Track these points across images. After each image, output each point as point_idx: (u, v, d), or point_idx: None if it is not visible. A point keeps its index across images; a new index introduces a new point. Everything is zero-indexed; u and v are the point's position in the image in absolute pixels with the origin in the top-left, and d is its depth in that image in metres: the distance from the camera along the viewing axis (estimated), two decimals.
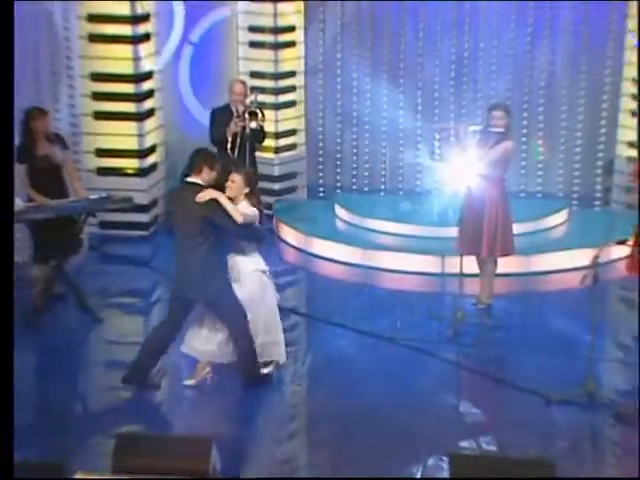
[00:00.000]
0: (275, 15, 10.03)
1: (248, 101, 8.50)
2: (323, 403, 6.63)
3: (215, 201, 6.25)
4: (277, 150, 10.33)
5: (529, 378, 6.77)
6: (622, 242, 7.10)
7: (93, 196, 7.77)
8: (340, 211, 9.91)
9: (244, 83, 8.83)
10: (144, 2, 9.58)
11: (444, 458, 5.51)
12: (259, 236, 6.53)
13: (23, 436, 6.06)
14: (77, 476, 4.11)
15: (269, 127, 9.62)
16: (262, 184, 9.65)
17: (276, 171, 10.36)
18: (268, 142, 9.89)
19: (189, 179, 6.41)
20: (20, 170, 7.58)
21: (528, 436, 6.06)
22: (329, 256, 9.20)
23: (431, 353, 7.20)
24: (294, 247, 9.55)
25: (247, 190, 6.48)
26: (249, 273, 6.46)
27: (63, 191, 7.77)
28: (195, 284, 6.33)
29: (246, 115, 8.33)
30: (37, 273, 7.83)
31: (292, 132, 10.47)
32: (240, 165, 7.92)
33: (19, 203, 7.34)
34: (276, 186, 10.36)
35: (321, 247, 9.31)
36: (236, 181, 6.46)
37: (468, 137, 7.41)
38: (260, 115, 8.39)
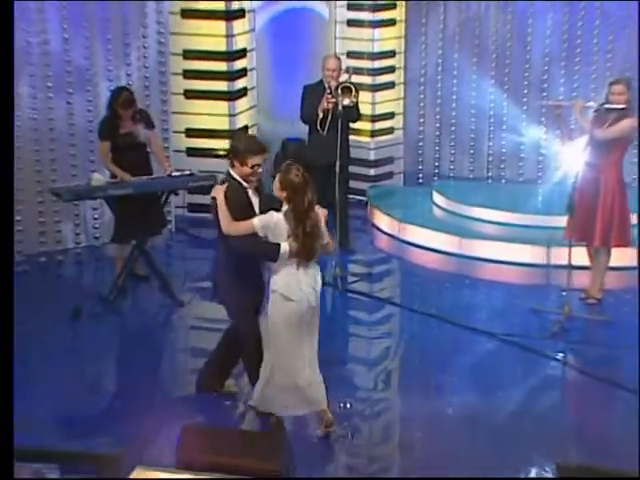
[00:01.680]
0: None
1: (342, 79, 8.09)
2: (415, 400, 6.19)
3: (214, 200, 5.54)
4: (373, 134, 9.90)
5: None
6: None
7: (175, 173, 7.43)
8: (438, 198, 9.42)
9: (338, 59, 8.45)
10: None
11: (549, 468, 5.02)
12: (258, 252, 5.45)
13: (99, 424, 5.82)
14: (135, 473, 3.72)
15: (365, 109, 9.20)
16: (357, 169, 9.29)
17: (372, 156, 9.95)
18: (364, 125, 9.53)
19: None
20: (102, 147, 7.35)
21: None
22: (425, 244, 8.73)
23: (534, 350, 6.71)
24: (388, 234, 9.13)
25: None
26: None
27: (148, 170, 7.50)
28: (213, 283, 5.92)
29: (338, 91, 7.88)
30: (115, 252, 7.56)
31: (390, 115, 10.02)
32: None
33: (99, 178, 7.09)
34: (371, 171, 9.96)
35: (417, 235, 8.86)
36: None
37: (583, 115, 6.83)
38: (354, 91, 7.93)
